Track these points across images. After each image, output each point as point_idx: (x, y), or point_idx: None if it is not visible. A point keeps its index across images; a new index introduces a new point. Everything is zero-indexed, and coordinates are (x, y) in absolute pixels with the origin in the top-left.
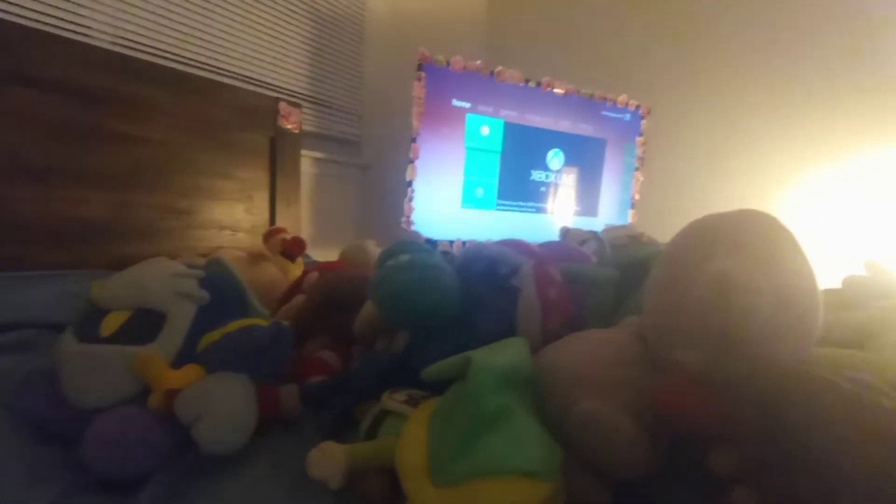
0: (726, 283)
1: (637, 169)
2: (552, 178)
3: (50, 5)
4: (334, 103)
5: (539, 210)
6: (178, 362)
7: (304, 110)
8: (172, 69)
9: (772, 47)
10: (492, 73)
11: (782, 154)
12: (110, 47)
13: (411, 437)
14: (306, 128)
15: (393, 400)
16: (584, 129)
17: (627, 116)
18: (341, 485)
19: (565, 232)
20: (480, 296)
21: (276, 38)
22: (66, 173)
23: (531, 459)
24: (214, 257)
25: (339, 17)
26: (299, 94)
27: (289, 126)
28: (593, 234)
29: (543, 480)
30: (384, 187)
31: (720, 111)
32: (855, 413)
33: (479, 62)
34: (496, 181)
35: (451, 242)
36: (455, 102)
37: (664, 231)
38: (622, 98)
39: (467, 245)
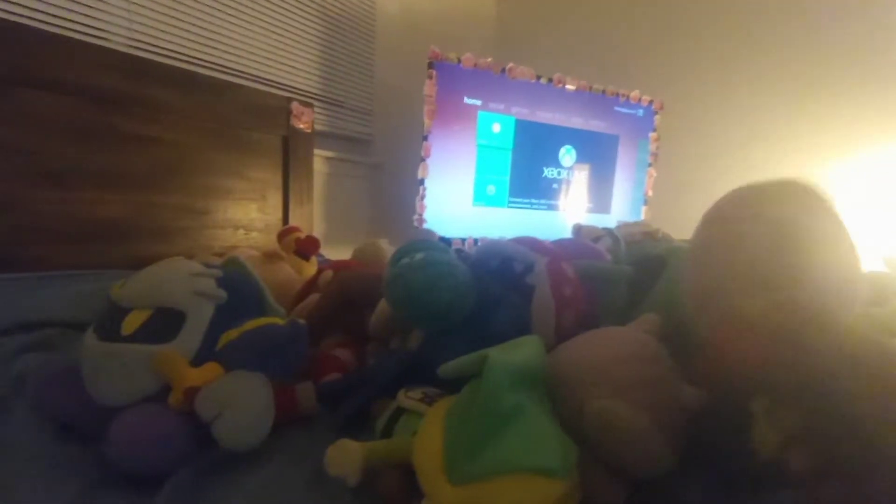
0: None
1: (650, 165)
2: (564, 175)
3: (66, 9)
4: (346, 102)
5: (551, 207)
6: (197, 360)
7: (316, 110)
8: (186, 71)
9: (787, 40)
10: (503, 70)
11: (798, 148)
12: (125, 50)
13: (427, 434)
14: (318, 127)
15: (408, 398)
16: (597, 125)
17: (640, 112)
18: (358, 482)
19: (578, 229)
20: (495, 293)
21: (287, 38)
22: (84, 175)
23: (547, 457)
24: (231, 257)
25: (350, 16)
26: (311, 93)
27: (301, 126)
28: (607, 230)
29: (559, 478)
30: (396, 186)
31: (734, 105)
32: None
33: (489, 59)
34: (508, 178)
35: (463, 240)
36: (466, 100)
37: (678, 228)
38: (635, 93)
39: (480, 243)
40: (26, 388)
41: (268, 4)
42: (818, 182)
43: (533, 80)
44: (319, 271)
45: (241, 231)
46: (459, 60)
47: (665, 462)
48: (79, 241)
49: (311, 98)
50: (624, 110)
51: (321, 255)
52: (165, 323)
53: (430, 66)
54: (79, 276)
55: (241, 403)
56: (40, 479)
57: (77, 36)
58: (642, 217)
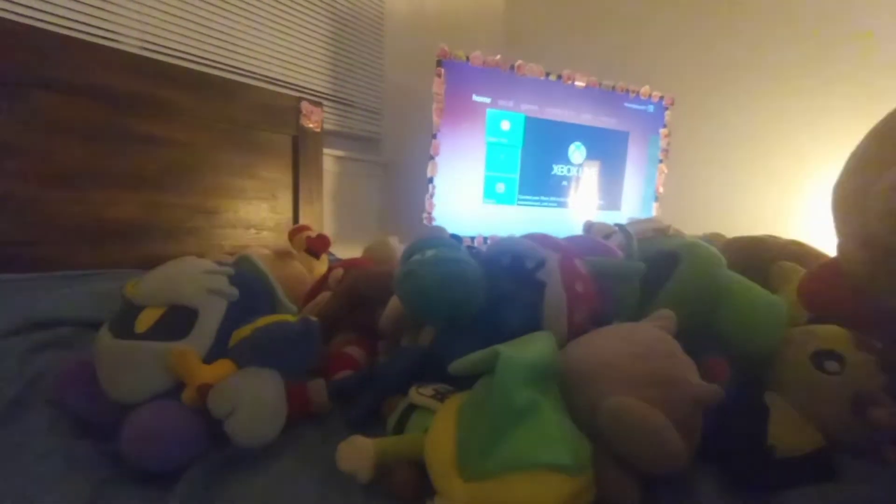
0: None
1: (661, 161)
2: (574, 172)
3: (78, 12)
4: (355, 101)
5: (561, 205)
6: (210, 358)
7: (326, 109)
8: (197, 71)
9: (798, 35)
10: (512, 68)
11: (812, 144)
12: (137, 52)
13: (440, 431)
14: (328, 126)
15: (420, 394)
16: (607, 121)
17: (651, 108)
18: (370, 478)
19: (589, 226)
20: (506, 290)
21: (296, 38)
22: (98, 175)
23: (560, 453)
24: (243, 255)
25: (359, 15)
26: (320, 93)
27: (311, 125)
28: (619, 226)
29: (573, 475)
30: (405, 184)
31: (746, 100)
32: None
33: (498, 57)
34: (517, 176)
35: (473, 238)
36: (475, 98)
37: (690, 224)
38: (645, 89)
39: (490, 241)
40: (42, 386)
41: (277, 5)
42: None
43: (542, 77)
44: (330, 269)
45: (253, 230)
46: (468, 58)
47: (679, 459)
48: (92, 241)
49: (321, 97)
50: (634, 106)
51: (331, 254)
52: (178, 320)
53: (439, 64)
54: (92, 275)
55: (253, 400)
56: (55, 476)
57: (89, 38)
58: (653, 214)
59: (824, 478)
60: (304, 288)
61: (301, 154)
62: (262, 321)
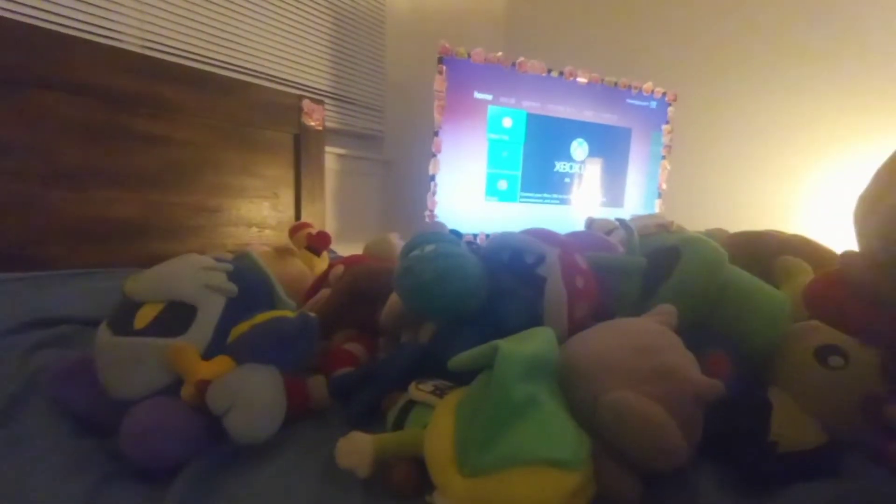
0: None
1: (664, 158)
2: (576, 168)
3: (78, 10)
4: (356, 99)
5: (563, 202)
6: (208, 354)
7: (327, 107)
8: (198, 70)
9: (802, 30)
10: (513, 65)
11: (814, 139)
12: (137, 50)
13: (439, 426)
14: (329, 124)
15: (420, 390)
16: (609, 118)
17: (653, 104)
18: (369, 474)
19: (591, 222)
20: (506, 285)
21: (298, 36)
22: (99, 174)
23: (560, 448)
24: (242, 251)
25: (360, 13)
26: (322, 90)
27: (312, 123)
28: (621, 222)
29: (572, 470)
30: (407, 182)
31: (749, 96)
32: None
33: (500, 54)
34: (519, 173)
35: (475, 236)
36: (477, 95)
37: (693, 221)
38: (647, 85)
39: (492, 235)
40: (42, 383)
41: (278, 3)
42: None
43: (544, 74)
44: (331, 266)
45: (254, 229)
46: (469, 55)
47: (680, 455)
48: (93, 240)
49: (322, 95)
50: (636, 102)
51: (332, 252)
52: (177, 316)
53: (440, 61)
54: (94, 274)
55: (252, 396)
56: (55, 473)
57: (89, 37)
58: (656, 211)
59: (827, 473)
60: (304, 285)
61: (303, 152)
62: (261, 317)
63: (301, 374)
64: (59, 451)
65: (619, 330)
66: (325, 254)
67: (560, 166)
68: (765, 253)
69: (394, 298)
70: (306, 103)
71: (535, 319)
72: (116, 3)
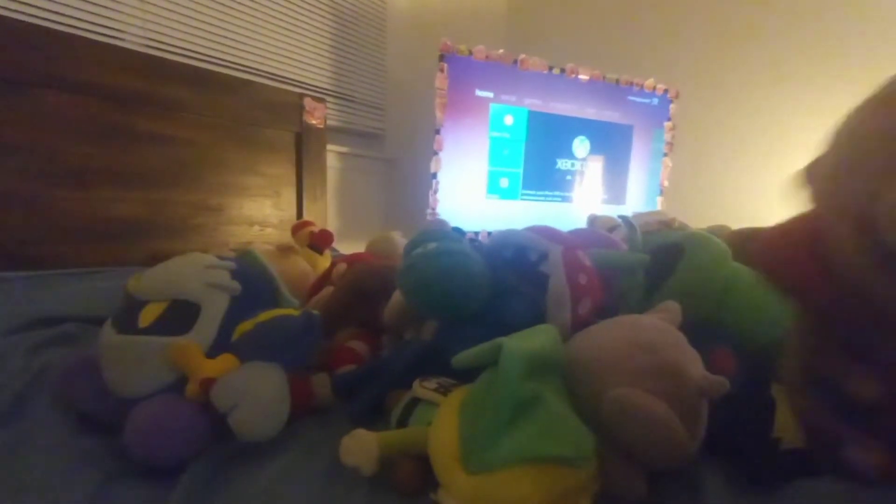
0: None
1: (666, 155)
2: (578, 166)
3: (81, 10)
4: (358, 97)
5: (565, 199)
6: (212, 352)
7: (329, 105)
8: (200, 69)
9: (805, 26)
10: (515, 62)
11: (817, 136)
12: (140, 49)
13: (443, 424)
14: (331, 123)
15: (423, 388)
16: (611, 115)
17: (655, 101)
18: (373, 471)
19: (593, 219)
20: (509, 283)
21: (299, 34)
22: (102, 174)
23: (564, 445)
24: (245, 250)
25: (361, 11)
26: (323, 89)
27: (314, 121)
28: (623, 219)
29: (577, 467)
30: (409, 180)
31: (752, 92)
32: None
33: (501, 51)
34: (521, 171)
35: (477, 233)
36: (478, 92)
37: (695, 218)
38: (649, 82)
39: (495, 233)
40: (47, 382)
41: (280, 2)
42: None
43: (545, 71)
44: (333, 264)
45: (257, 227)
46: (471, 53)
47: (685, 451)
48: (97, 239)
49: (324, 94)
50: (638, 99)
51: (335, 250)
52: (181, 315)
53: (442, 59)
54: (97, 272)
55: (256, 394)
56: (60, 471)
57: (92, 36)
58: (658, 208)
59: (830, 470)
60: (307, 283)
61: (304, 151)
62: (265, 315)
63: (305, 372)
64: (64, 450)
65: (622, 327)
66: (327, 252)
67: (562, 164)
68: None
69: (396, 296)
70: (308, 102)
71: (538, 317)
72: (119, 2)
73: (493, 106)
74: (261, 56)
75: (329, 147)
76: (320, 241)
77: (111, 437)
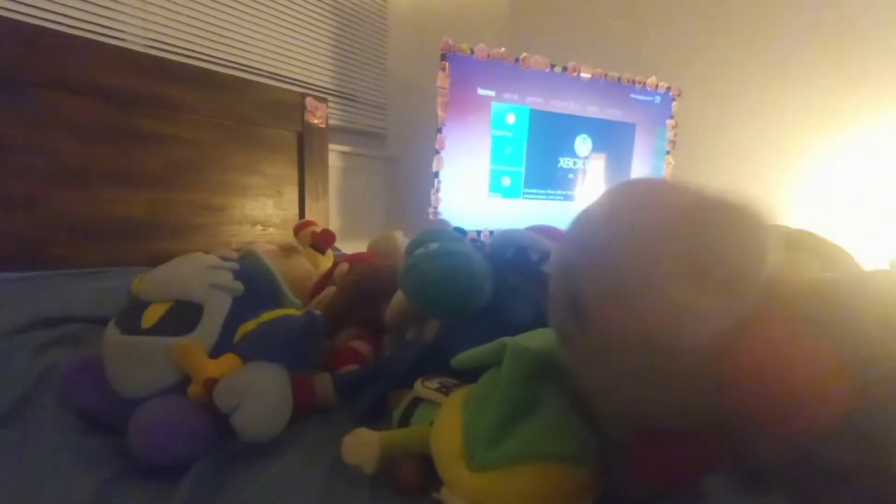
0: None
1: (668, 153)
2: (580, 164)
3: (82, 10)
4: (359, 97)
5: (567, 198)
6: (215, 352)
7: (330, 105)
8: (202, 69)
9: (807, 25)
10: (516, 60)
11: (820, 136)
12: (141, 50)
13: (446, 423)
14: (332, 122)
15: (426, 388)
16: (613, 113)
17: (657, 99)
18: (375, 470)
19: None
20: (511, 283)
21: (300, 34)
22: (105, 174)
23: (566, 444)
24: (248, 250)
25: (362, 10)
26: (325, 88)
27: (315, 121)
28: None
29: (578, 466)
30: (411, 179)
31: (755, 90)
32: None
33: (503, 49)
34: (523, 169)
35: (479, 232)
36: (480, 91)
37: None
38: (651, 80)
39: (496, 233)
40: (51, 383)
41: (281, 1)
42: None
43: (547, 70)
44: (335, 264)
45: (259, 227)
46: (472, 51)
47: None
48: (100, 239)
49: (325, 93)
50: (640, 97)
51: (337, 249)
52: (184, 315)
53: (443, 57)
54: (100, 273)
55: (259, 394)
56: (64, 471)
57: (93, 36)
58: None
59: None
60: (309, 283)
61: (306, 150)
62: (267, 315)
63: (307, 372)
64: (69, 450)
65: None
66: (329, 252)
67: (564, 162)
68: None
69: (398, 296)
70: (309, 101)
71: (539, 317)
72: (120, 2)
73: (494, 104)
74: (262, 56)
75: (331, 146)
76: (322, 241)
77: (115, 437)
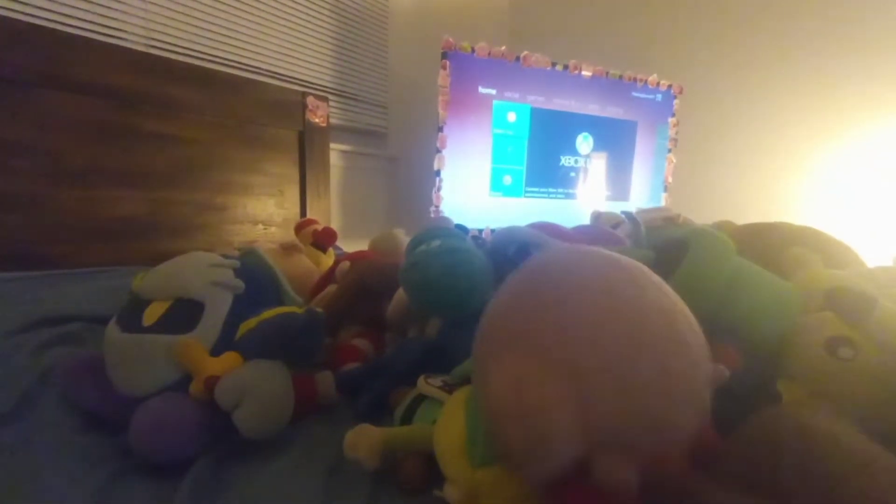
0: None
1: (670, 151)
2: (581, 162)
3: (83, 10)
4: (360, 96)
5: (568, 196)
6: (216, 350)
7: (331, 104)
8: (203, 68)
9: (809, 21)
10: (517, 59)
11: (821, 132)
12: (142, 49)
13: (449, 420)
14: (334, 121)
15: (429, 385)
16: (614, 111)
17: (659, 97)
18: (377, 466)
19: (597, 216)
20: None
21: (301, 33)
22: (106, 173)
23: None
24: (249, 248)
25: (363, 9)
26: (326, 87)
27: (316, 120)
28: (627, 215)
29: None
30: (412, 178)
31: (756, 88)
32: None
33: (504, 48)
34: (524, 168)
35: (480, 231)
36: (481, 90)
37: (699, 214)
38: (653, 78)
39: (498, 230)
40: (53, 381)
41: (281, 0)
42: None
43: (548, 68)
44: (336, 262)
45: (261, 226)
46: (473, 50)
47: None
48: (101, 239)
49: (326, 92)
50: (642, 95)
51: (338, 248)
52: (185, 313)
53: (444, 56)
54: (102, 272)
55: (260, 392)
56: (66, 469)
57: (94, 36)
58: (662, 204)
59: None
60: (310, 281)
61: (307, 149)
62: (268, 313)
63: (308, 370)
64: (70, 448)
65: None
66: (330, 250)
67: (565, 160)
68: (773, 245)
69: (400, 294)
70: (310, 100)
71: None
72: (121, 2)
73: (495, 103)
74: (263, 55)
75: (332, 145)
76: (324, 239)
77: (116, 435)
